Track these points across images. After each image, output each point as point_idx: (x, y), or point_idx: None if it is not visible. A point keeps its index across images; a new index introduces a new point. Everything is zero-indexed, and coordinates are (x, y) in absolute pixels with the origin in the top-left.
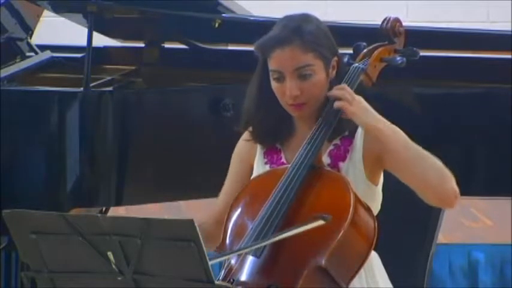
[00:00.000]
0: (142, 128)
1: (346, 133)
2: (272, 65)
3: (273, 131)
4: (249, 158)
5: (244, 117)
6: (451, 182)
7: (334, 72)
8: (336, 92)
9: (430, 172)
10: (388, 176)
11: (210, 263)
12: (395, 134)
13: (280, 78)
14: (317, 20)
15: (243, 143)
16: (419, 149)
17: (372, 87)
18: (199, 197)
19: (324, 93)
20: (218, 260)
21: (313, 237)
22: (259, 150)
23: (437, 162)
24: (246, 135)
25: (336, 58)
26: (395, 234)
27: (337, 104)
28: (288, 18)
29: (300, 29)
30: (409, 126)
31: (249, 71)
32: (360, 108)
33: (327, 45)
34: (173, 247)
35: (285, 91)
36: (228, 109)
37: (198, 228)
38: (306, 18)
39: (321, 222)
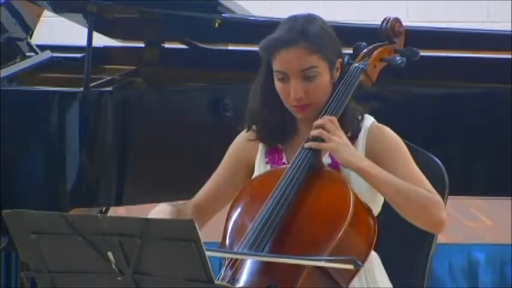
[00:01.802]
0: (142, 128)
1: (349, 134)
2: (277, 65)
3: (277, 131)
4: (248, 158)
5: (248, 117)
6: (436, 212)
7: (338, 74)
8: (314, 131)
9: (414, 208)
10: None
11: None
12: (376, 172)
13: (285, 79)
14: (322, 20)
15: (245, 142)
16: (403, 184)
17: (372, 87)
18: None
19: (327, 95)
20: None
21: (313, 237)
22: (260, 150)
23: (422, 196)
24: (248, 134)
25: (340, 59)
26: (395, 234)
27: (311, 145)
28: (293, 19)
29: (305, 31)
30: (409, 126)
31: (249, 71)
32: (339, 145)
33: (332, 47)
34: (173, 247)
35: (290, 92)
36: (228, 109)
37: (198, 228)
38: (311, 19)
39: (350, 267)
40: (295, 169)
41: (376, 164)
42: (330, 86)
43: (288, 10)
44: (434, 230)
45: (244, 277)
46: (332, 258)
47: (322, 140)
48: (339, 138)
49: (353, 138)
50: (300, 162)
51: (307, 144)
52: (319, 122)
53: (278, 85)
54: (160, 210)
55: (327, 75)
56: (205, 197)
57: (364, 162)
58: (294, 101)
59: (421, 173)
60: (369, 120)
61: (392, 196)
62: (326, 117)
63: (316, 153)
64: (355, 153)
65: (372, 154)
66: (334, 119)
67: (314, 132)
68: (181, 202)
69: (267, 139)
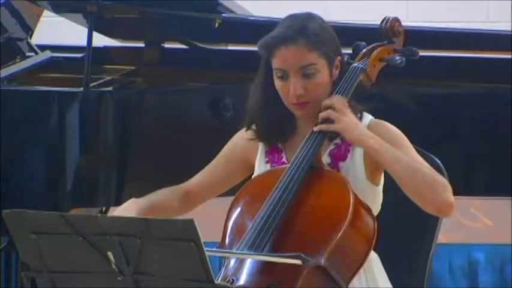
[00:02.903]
0: (142, 128)
1: None
2: (276, 63)
3: (276, 130)
4: (244, 155)
5: (248, 116)
6: (444, 193)
7: (338, 72)
8: (323, 113)
9: (422, 186)
10: (388, 177)
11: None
12: (385, 150)
13: (284, 77)
14: (321, 19)
15: (243, 140)
16: (411, 162)
17: (372, 87)
18: None
19: (327, 93)
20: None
21: (313, 237)
22: (261, 149)
23: (429, 175)
24: (247, 133)
25: (339, 58)
26: (395, 234)
27: (321, 127)
28: (292, 17)
29: (304, 28)
30: (409, 126)
31: (249, 70)
32: (348, 125)
33: (331, 45)
34: (173, 247)
35: (289, 90)
36: (228, 109)
37: (198, 228)
38: (310, 17)
39: (298, 262)
40: (294, 169)
41: (377, 163)
42: (330, 83)
43: (288, 10)
44: (442, 212)
45: (244, 277)
46: (279, 254)
47: (331, 122)
48: (347, 118)
49: None
50: (299, 162)
51: (316, 128)
52: (327, 102)
53: (277, 83)
54: (126, 208)
55: (326, 73)
56: (198, 186)
57: (372, 140)
58: (293, 99)
59: (425, 162)
60: (367, 118)
61: (401, 174)
62: (334, 96)
63: (316, 153)
64: (364, 132)
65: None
66: (343, 99)
67: (323, 114)
68: (169, 188)
69: (266, 138)
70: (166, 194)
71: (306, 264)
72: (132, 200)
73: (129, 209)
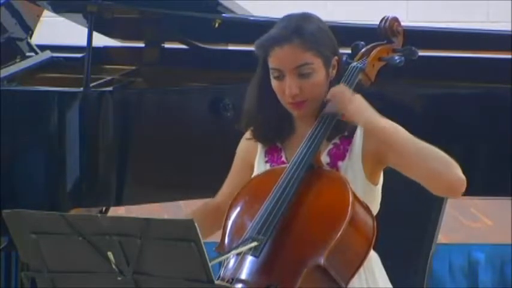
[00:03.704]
0: (142, 128)
1: (346, 133)
2: (272, 63)
3: (274, 130)
4: (249, 157)
5: (245, 117)
6: (456, 169)
7: (335, 71)
8: (332, 98)
9: (434, 162)
10: (388, 176)
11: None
12: (397, 130)
13: (280, 77)
14: (318, 19)
15: (245, 142)
16: (421, 142)
17: (371, 87)
18: (199, 197)
19: (323, 92)
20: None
21: (312, 237)
22: (260, 149)
23: (441, 152)
24: (248, 133)
25: (336, 57)
26: (395, 234)
27: (332, 110)
28: (288, 18)
29: (300, 28)
30: (409, 126)
31: (249, 71)
32: (358, 109)
33: (328, 44)
34: (173, 247)
35: (285, 89)
36: (228, 109)
37: (198, 228)
38: (306, 17)
39: (254, 244)
40: (294, 169)
41: (377, 161)
42: (326, 83)
43: (288, 10)
44: (454, 190)
45: (243, 277)
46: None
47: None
48: (353, 105)
49: (349, 137)
50: (298, 162)
51: (327, 109)
52: (328, 98)
53: (274, 83)
54: None
55: (322, 73)
56: (222, 199)
57: (383, 122)
58: (289, 98)
59: None
60: None
61: (414, 152)
62: (332, 90)
63: (315, 152)
64: (374, 113)
65: (371, 149)
66: (342, 89)
67: (326, 110)
68: (205, 200)
69: (264, 138)
70: (200, 215)
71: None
72: None
73: None
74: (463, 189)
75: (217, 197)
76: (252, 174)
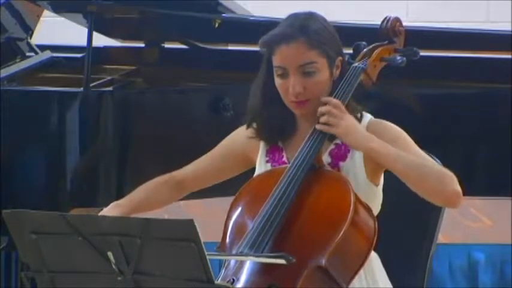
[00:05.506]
0: (142, 128)
1: None
2: (276, 61)
3: (277, 129)
4: (242, 151)
5: (248, 115)
6: (451, 184)
7: (338, 72)
8: (322, 118)
9: (428, 179)
10: (388, 176)
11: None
12: (386, 151)
13: (284, 75)
14: (323, 18)
15: (243, 137)
16: (414, 159)
17: (372, 87)
18: (199, 197)
19: (326, 92)
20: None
21: (313, 237)
22: (262, 148)
23: (435, 167)
24: (248, 131)
25: (340, 58)
26: (395, 234)
27: (322, 128)
28: (294, 16)
29: (305, 27)
30: (409, 127)
31: (249, 71)
32: (348, 129)
33: (332, 44)
34: (173, 247)
35: (288, 88)
36: (228, 109)
37: (198, 228)
38: (312, 16)
39: (282, 262)
40: (295, 169)
41: (378, 162)
42: (330, 83)
43: (288, 10)
44: (451, 203)
45: (244, 277)
46: (264, 254)
47: (331, 126)
48: (345, 123)
49: None
50: (300, 162)
51: (318, 126)
52: (322, 109)
53: (277, 81)
54: (108, 212)
55: (326, 72)
56: (193, 177)
57: (373, 143)
58: (292, 97)
59: (429, 157)
60: (367, 117)
61: (405, 172)
62: (330, 99)
63: (316, 153)
64: (363, 134)
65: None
66: (339, 103)
67: (323, 119)
68: (160, 179)
69: (267, 137)
70: (151, 188)
71: (289, 263)
72: (115, 203)
73: (112, 213)
74: (460, 201)
75: (179, 172)
76: (236, 165)
